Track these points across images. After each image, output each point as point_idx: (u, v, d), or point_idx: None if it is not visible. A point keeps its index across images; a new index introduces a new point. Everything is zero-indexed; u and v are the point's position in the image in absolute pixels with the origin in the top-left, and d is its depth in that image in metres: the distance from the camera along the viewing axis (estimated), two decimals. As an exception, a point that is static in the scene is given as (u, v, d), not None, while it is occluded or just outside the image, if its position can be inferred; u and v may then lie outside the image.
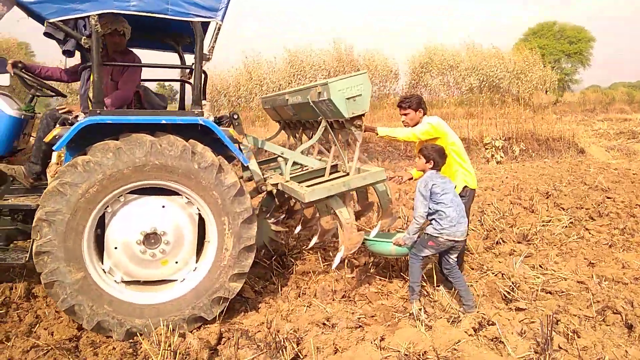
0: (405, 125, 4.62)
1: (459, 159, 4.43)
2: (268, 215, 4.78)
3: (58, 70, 4.41)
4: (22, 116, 4.03)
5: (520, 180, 10.20)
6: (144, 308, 3.78)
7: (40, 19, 3.47)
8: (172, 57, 5.37)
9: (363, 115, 3.98)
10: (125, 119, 3.63)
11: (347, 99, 3.85)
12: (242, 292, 4.51)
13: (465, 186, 4.45)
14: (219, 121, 4.77)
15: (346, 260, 5.19)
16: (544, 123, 14.93)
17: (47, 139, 3.67)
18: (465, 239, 4.28)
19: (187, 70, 5.54)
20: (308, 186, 4.09)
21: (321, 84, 3.95)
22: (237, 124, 4.64)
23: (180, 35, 5.24)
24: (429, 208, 4.03)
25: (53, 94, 4.51)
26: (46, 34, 3.43)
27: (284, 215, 5.50)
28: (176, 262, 3.92)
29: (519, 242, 6.01)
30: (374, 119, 14.60)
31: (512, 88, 15.05)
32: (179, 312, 3.83)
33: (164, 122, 3.70)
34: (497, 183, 10.00)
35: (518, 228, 6.50)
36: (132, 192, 3.79)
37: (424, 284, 4.46)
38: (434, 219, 4.06)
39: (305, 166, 4.87)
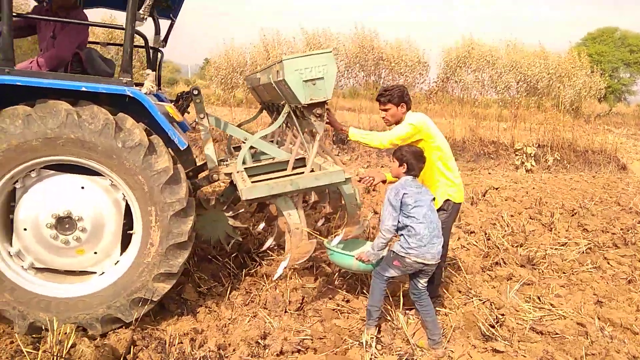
0: (385, 123, 3.91)
1: (442, 167, 3.71)
2: (226, 207, 4.19)
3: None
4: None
5: (547, 193, 9.29)
6: (50, 301, 3.29)
7: None
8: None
9: (325, 103, 3.33)
10: (36, 82, 3.09)
11: (305, 81, 3.21)
12: (182, 291, 3.99)
13: (448, 199, 3.73)
14: (179, 97, 4.22)
15: (313, 266, 4.59)
16: (585, 132, 13.73)
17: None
18: (440, 262, 3.59)
19: (161, 38, 5.05)
20: (257, 181, 3.49)
21: (279, 61, 3.31)
22: (198, 101, 4.07)
23: (158, -1, 4.70)
24: (398, 221, 3.35)
25: None
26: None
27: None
28: (95, 253, 3.41)
29: (521, 266, 5.24)
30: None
31: (552, 91, 13.87)
32: (91, 310, 3.33)
33: (83, 89, 3.15)
34: (520, 194, 9.13)
35: (526, 249, 5.71)
36: (49, 167, 3.29)
37: (388, 306, 3.80)
38: (402, 234, 3.39)
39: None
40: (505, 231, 6.35)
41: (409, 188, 3.33)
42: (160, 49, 5.03)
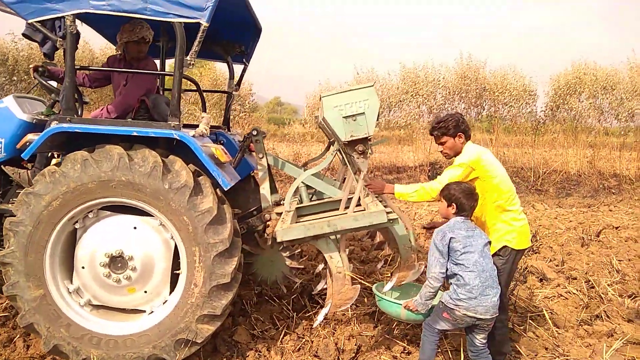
0: (445, 157, 3.57)
1: (501, 209, 3.28)
2: (282, 247, 4.11)
3: (81, 76, 4.34)
4: (34, 121, 3.98)
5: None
6: (102, 338, 3.40)
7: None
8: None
9: (367, 139, 3.14)
10: (93, 129, 3.31)
11: (345, 117, 3.06)
12: (234, 334, 3.94)
13: (505, 246, 3.27)
14: (245, 137, 4.29)
15: (375, 312, 4.30)
16: None
17: (19, 145, 3.53)
18: (502, 315, 3.13)
19: (235, 82, 5.23)
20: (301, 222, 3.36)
21: (320, 98, 3.21)
22: (256, 140, 4.10)
23: (231, 44, 4.91)
24: (446, 268, 3.00)
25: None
26: (25, 35, 3.29)
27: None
28: (145, 292, 3.49)
29: (628, 321, 4.45)
30: (498, 144, 12.74)
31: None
32: (138, 350, 3.38)
33: (135, 134, 3.30)
34: (647, 234, 7.93)
35: (637, 301, 4.86)
36: (107, 208, 3.47)
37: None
38: (451, 283, 3.03)
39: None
40: (615, 279, 5.50)
41: (457, 231, 2.98)
42: (232, 92, 5.22)
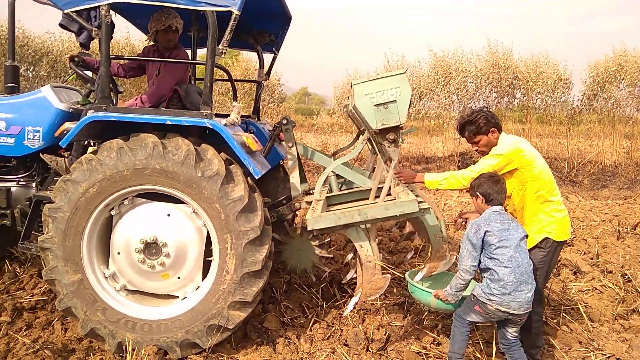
0: (481, 154, 3.49)
1: (542, 200, 3.20)
2: (312, 236, 4.12)
3: (116, 66, 4.41)
4: (71, 110, 4.08)
5: None
6: (136, 322, 3.49)
7: None
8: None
9: (399, 127, 3.10)
10: (128, 117, 3.37)
11: (376, 105, 3.03)
12: (264, 321, 3.98)
13: (546, 237, 3.19)
14: (275, 126, 4.30)
15: (405, 302, 4.28)
16: None
17: (57, 133, 3.62)
18: (537, 308, 3.07)
19: (264, 71, 5.25)
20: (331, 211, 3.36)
21: (351, 86, 3.19)
22: (286, 129, 4.12)
23: (261, 33, 4.91)
24: (480, 261, 2.96)
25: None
26: (61, 25, 3.36)
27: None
28: (179, 278, 3.55)
29: (667, 316, 4.32)
30: (531, 134, 12.39)
31: None
32: (172, 334, 3.46)
33: (168, 122, 3.34)
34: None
35: (676, 295, 4.71)
36: (142, 196, 3.54)
37: (477, 353, 3.36)
38: (484, 277, 2.98)
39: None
40: (653, 273, 5.33)
41: (493, 224, 2.92)
42: (261, 82, 5.24)
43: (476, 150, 3.46)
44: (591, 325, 4.13)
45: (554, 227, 3.20)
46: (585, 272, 5.39)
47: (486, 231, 2.91)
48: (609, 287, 4.98)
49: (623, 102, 12.05)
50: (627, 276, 5.19)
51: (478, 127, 3.27)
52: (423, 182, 3.37)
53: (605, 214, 8.51)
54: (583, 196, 10.38)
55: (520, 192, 3.29)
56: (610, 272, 5.43)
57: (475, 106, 13.07)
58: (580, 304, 4.42)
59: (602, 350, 3.70)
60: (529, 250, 3.09)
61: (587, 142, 13.06)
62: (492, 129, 3.28)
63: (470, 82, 12.39)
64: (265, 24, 4.76)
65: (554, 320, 4.15)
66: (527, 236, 3.03)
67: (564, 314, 4.25)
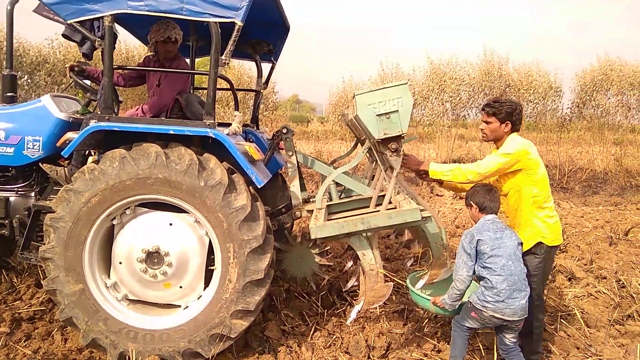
0: (482, 137, 3.52)
1: (537, 206, 3.26)
2: (312, 244, 4.14)
3: (116, 75, 4.42)
4: (71, 119, 4.08)
5: None
6: (138, 332, 3.48)
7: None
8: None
9: (400, 137, 3.15)
10: (132, 127, 3.38)
11: (379, 115, 3.08)
12: (265, 329, 3.98)
13: (540, 242, 3.25)
14: (274, 135, 4.33)
15: (405, 309, 4.31)
16: None
17: (59, 143, 3.62)
18: (538, 314, 3.12)
19: (263, 80, 5.28)
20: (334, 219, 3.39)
21: (353, 96, 3.24)
22: (286, 138, 4.14)
23: (260, 43, 4.95)
24: (474, 271, 3.00)
25: None
26: (64, 36, 3.37)
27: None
28: (180, 287, 3.56)
29: (662, 321, 4.39)
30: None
31: None
32: (174, 344, 3.45)
33: (171, 132, 3.36)
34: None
35: (672, 301, 4.78)
36: (144, 205, 3.55)
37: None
38: (480, 284, 3.03)
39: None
40: (646, 278, 5.41)
41: (485, 233, 2.98)
42: (260, 91, 5.27)
43: (481, 131, 3.48)
44: (588, 330, 4.18)
45: (547, 232, 3.26)
46: (579, 278, 5.46)
47: (479, 240, 2.97)
48: (604, 292, 5.04)
49: (612, 109, 12.23)
50: (621, 282, 5.26)
51: (500, 111, 3.29)
52: (427, 171, 3.41)
53: (597, 220, 8.61)
54: (574, 203, 10.50)
55: (517, 193, 3.33)
56: (605, 278, 5.50)
57: (468, 114, 13.21)
58: (577, 309, 4.48)
59: (600, 356, 3.75)
60: (523, 256, 3.14)
61: (577, 149, 13.24)
62: (507, 122, 3.31)
63: (463, 91, 12.50)
64: (263, 34, 4.80)
65: (552, 326, 4.19)
66: (521, 244, 3.08)
67: (561, 320, 4.30)
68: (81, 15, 3.30)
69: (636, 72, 11.99)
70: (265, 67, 5.33)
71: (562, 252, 6.48)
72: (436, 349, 3.76)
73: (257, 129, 5.13)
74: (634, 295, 4.89)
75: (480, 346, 3.65)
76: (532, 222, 3.27)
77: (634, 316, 4.48)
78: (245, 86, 12.43)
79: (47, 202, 4.06)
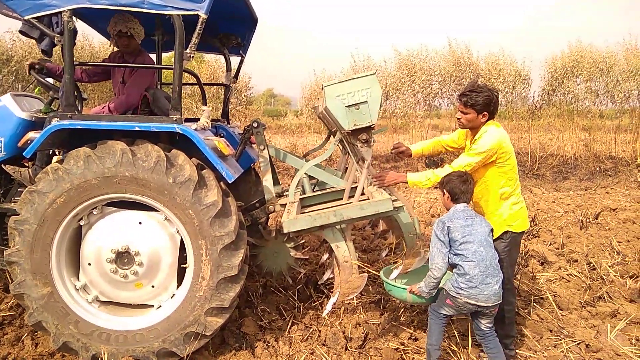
0: (458, 125, 3.51)
1: (506, 194, 3.29)
2: (287, 238, 4.11)
3: (79, 71, 4.30)
4: (33, 118, 3.96)
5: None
6: (111, 334, 3.41)
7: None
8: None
9: (370, 127, 3.14)
10: (95, 125, 3.30)
11: (348, 106, 3.06)
12: (242, 325, 3.95)
13: (507, 231, 3.29)
14: (245, 129, 4.27)
15: (381, 300, 4.33)
16: None
17: (21, 143, 3.51)
18: (511, 299, 3.16)
19: (232, 74, 5.21)
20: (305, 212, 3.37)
21: (322, 88, 3.21)
22: (257, 132, 4.09)
23: (227, 36, 4.87)
24: (449, 258, 3.03)
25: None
26: (22, 32, 3.26)
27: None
28: (152, 286, 3.49)
29: (630, 301, 4.50)
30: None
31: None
32: (148, 344, 3.40)
33: (137, 128, 3.29)
34: (645, 216, 7.98)
35: (639, 281, 4.91)
36: (112, 204, 3.47)
37: (453, 346, 3.43)
38: (453, 272, 3.05)
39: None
40: (615, 260, 5.55)
41: (456, 221, 3.01)
42: (230, 85, 5.20)
43: (458, 120, 3.45)
44: (560, 313, 4.27)
45: (513, 219, 3.30)
46: (552, 262, 5.56)
47: (449, 227, 2.99)
48: (576, 275, 5.15)
49: (582, 96, 12.46)
50: (591, 264, 5.38)
51: (475, 102, 3.25)
52: (406, 182, 3.40)
53: (568, 204, 8.80)
54: (546, 188, 10.71)
55: (484, 184, 3.35)
56: (576, 261, 5.62)
57: (442, 102, 13.31)
58: (549, 293, 4.57)
59: (572, 337, 3.83)
60: None
61: (547, 135, 13.48)
62: (484, 112, 3.29)
63: (434, 82, 12.57)
64: (231, 27, 4.73)
65: (525, 310, 4.26)
66: (492, 230, 3.12)
67: (534, 304, 4.37)
68: (38, 11, 3.19)
69: (605, 58, 12.21)
70: (235, 60, 5.27)
71: (535, 237, 6.60)
72: (413, 337, 3.79)
73: (228, 123, 5.07)
74: (604, 277, 5.01)
75: (456, 333, 3.69)
76: (498, 212, 3.30)
77: (604, 297, 4.58)
78: (220, 80, 12.29)
79: (11, 204, 3.94)
